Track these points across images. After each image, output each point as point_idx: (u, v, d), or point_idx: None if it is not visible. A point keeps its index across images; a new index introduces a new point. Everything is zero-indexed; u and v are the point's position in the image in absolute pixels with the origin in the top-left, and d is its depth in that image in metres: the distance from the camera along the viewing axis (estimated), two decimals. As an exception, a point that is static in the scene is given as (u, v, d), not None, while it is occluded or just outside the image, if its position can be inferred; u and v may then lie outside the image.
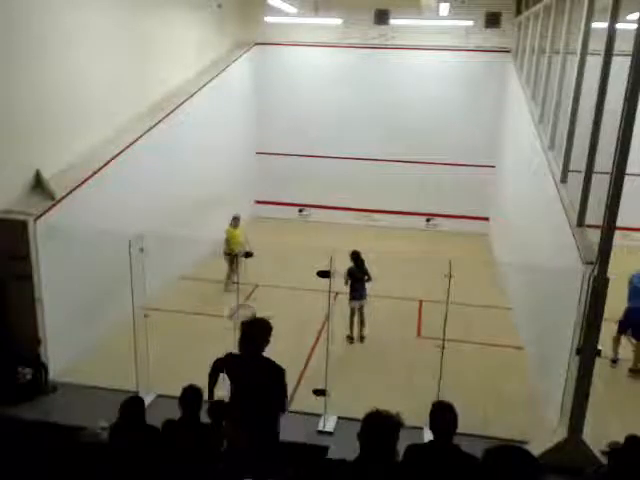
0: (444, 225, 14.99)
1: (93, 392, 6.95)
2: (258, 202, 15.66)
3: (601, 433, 5.78)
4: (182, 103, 10.85)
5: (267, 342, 4.75)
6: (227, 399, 4.82)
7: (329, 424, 6.54)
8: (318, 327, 8.71)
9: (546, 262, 7.99)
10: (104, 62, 8.80)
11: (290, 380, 7.71)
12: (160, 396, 6.83)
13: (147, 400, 5.71)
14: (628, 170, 5.26)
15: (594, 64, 6.52)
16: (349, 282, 8.57)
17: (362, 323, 8.79)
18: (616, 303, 5.99)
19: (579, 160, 6.74)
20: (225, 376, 4.86)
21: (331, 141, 14.92)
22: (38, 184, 7.42)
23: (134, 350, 6.75)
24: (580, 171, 6.58)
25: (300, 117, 14.92)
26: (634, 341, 7.95)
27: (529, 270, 8.95)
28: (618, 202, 5.29)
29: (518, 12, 13.24)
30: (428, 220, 15.16)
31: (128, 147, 8.95)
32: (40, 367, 7.05)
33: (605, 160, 5.56)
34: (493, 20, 13.46)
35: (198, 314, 9.30)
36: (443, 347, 6.48)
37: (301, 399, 7.14)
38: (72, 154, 8.08)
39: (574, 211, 6.70)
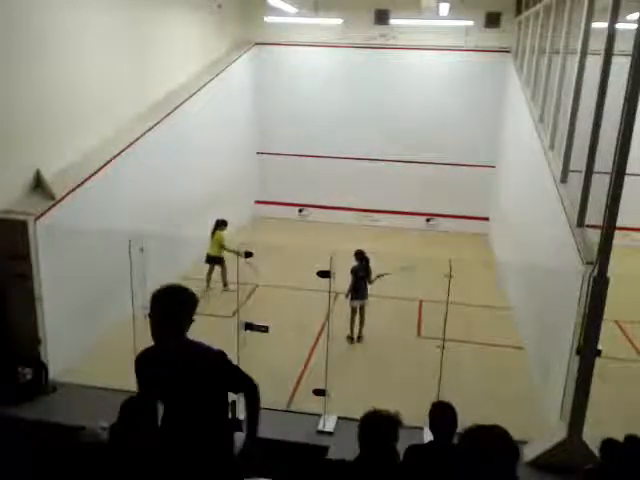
0: (444, 225, 14.98)
1: (93, 392, 6.94)
2: (258, 202, 15.66)
3: (601, 433, 5.78)
4: (182, 103, 10.85)
5: (191, 320, 3.34)
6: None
7: (329, 424, 6.53)
8: (318, 327, 8.72)
9: (546, 262, 7.99)
10: (104, 62, 8.80)
11: (290, 380, 7.81)
12: (160, 396, 6.82)
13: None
14: (628, 170, 5.26)
15: (594, 64, 6.52)
16: (351, 281, 8.57)
17: (361, 323, 8.80)
18: (616, 303, 5.98)
19: (579, 160, 6.74)
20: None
21: (331, 141, 14.92)
22: (38, 184, 7.41)
23: (134, 350, 6.74)
24: (580, 171, 6.58)
25: (300, 117, 14.91)
26: None
27: (529, 270, 8.95)
28: (618, 202, 5.29)
29: (518, 12, 13.23)
30: (428, 220, 15.16)
31: (128, 147, 8.95)
32: (40, 367, 7.05)
33: (605, 160, 5.56)
34: (493, 20, 13.48)
35: (198, 314, 9.27)
36: (443, 347, 6.48)
37: (301, 399, 7.16)
38: (72, 154, 8.07)
39: (574, 211, 6.71)
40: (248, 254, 7.21)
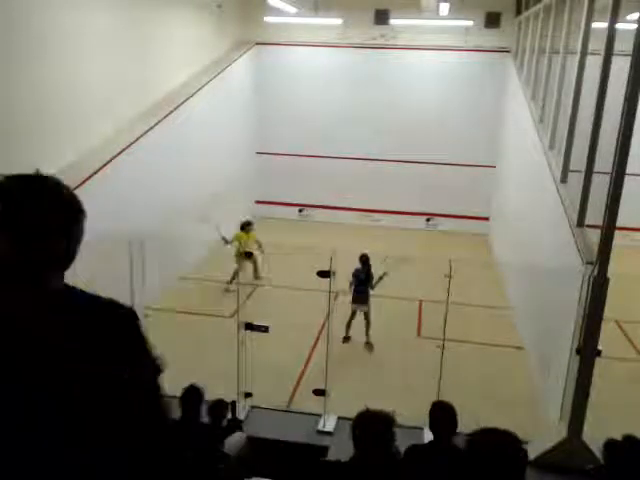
0: (444, 225, 14.98)
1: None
2: (258, 202, 15.67)
3: (601, 433, 5.79)
4: (182, 103, 10.85)
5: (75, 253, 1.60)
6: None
7: (329, 424, 6.53)
8: (318, 327, 8.72)
9: (546, 262, 7.99)
10: (104, 62, 8.80)
11: (290, 380, 7.81)
12: (160, 396, 6.82)
13: (147, 400, 5.69)
14: (628, 170, 5.26)
15: (594, 64, 6.52)
16: (353, 284, 8.53)
17: (367, 328, 8.69)
18: (616, 303, 5.99)
19: (579, 160, 6.74)
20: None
21: (331, 141, 14.92)
22: (38, 184, 7.41)
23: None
24: (580, 171, 6.58)
25: (300, 117, 14.92)
26: None
27: (529, 270, 8.95)
28: (618, 202, 5.29)
29: (518, 12, 13.23)
30: (428, 220, 15.16)
31: (128, 147, 8.95)
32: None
33: (605, 160, 5.56)
34: (493, 20, 13.49)
35: (198, 314, 9.30)
36: (443, 347, 6.48)
37: (301, 399, 7.16)
38: (72, 154, 8.07)
39: (574, 211, 6.71)
40: (248, 254, 7.25)
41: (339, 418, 6.55)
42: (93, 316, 1.67)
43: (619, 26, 5.99)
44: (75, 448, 1.41)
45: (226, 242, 9.97)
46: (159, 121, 9.98)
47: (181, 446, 2.14)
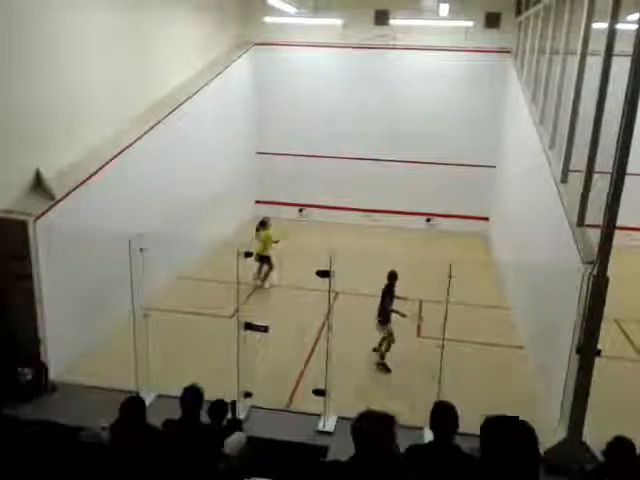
0: (444, 225, 14.98)
1: (93, 392, 6.94)
2: (258, 202, 15.67)
3: (601, 433, 5.79)
4: (182, 103, 10.85)
5: None
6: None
7: (329, 424, 6.54)
8: (318, 327, 8.71)
9: (546, 262, 7.99)
10: (104, 62, 8.80)
11: (290, 380, 7.82)
12: (160, 396, 6.83)
13: (147, 400, 5.70)
14: (628, 170, 5.26)
15: (594, 64, 6.52)
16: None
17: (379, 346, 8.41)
18: (616, 303, 5.99)
19: (579, 160, 6.74)
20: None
21: (331, 141, 14.91)
22: (38, 184, 7.42)
23: (134, 350, 6.75)
24: (580, 171, 6.59)
25: (300, 117, 14.91)
26: None
27: (529, 270, 8.95)
28: (618, 202, 5.29)
29: (518, 12, 13.24)
30: (428, 220, 15.16)
31: (128, 147, 8.95)
32: (40, 367, 7.05)
33: (605, 160, 5.56)
34: (493, 20, 13.50)
35: (198, 314, 9.30)
36: (443, 347, 6.48)
37: (301, 399, 7.16)
38: (72, 154, 8.08)
39: (574, 211, 6.71)
40: (248, 254, 7.21)
41: (339, 418, 6.56)
42: None
43: (619, 26, 5.99)
44: None
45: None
46: (159, 121, 9.99)
47: None
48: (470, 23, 13.37)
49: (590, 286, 5.51)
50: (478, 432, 2.55)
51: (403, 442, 3.30)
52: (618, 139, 5.17)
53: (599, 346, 5.63)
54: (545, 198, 8.26)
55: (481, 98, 14.10)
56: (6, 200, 6.97)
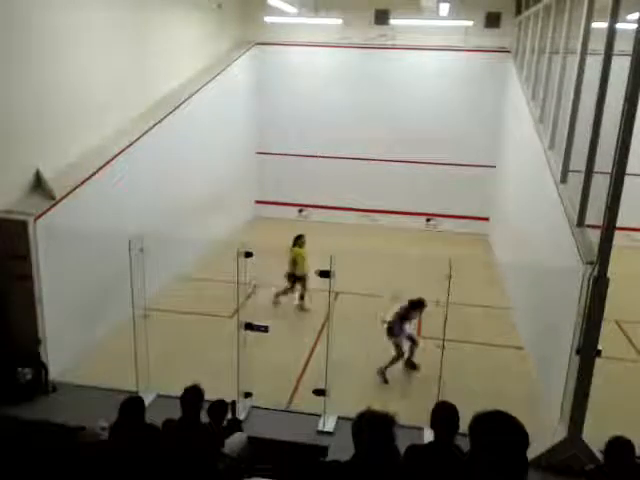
0: (444, 225, 14.99)
1: (93, 392, 6.95)
2: (258, 202, 15.67)
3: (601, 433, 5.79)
4: (182, 103, 10.85)
5: None
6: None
7: (329, 424, 6.54)
8: (318, 327, 8.71)
9: (546, 262, 7.99)
10: (104, 62, 8.80)
11: (290, 380, 7.81)
12: (160, 396, 6.83)
13: (147, 400, 5.70)
14: (628, 170, 5.26)
15: (594, 64, 6.52)
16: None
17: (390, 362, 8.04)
18: (616, 303, 5.99)
19: (579, 160, 6.74)
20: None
21: (331, 141, 14.91)
22: (38, 184, 7.41)
23: (134, 350, 6.75)
24: (580, 171, 6.58)
25: (300, 117, 14.91)
26: None
27: (529, 270, 8.95)
28: (618, 202, 5.29)
29: (518, 12, 13.23)
30: (428, 220, 15.16)
31: (128, 147, 8.95)
32: (40, 367, 7.05)
33: (605, 160, 5.56)
34: (493, 20, 13.49)
35: (198, 314, 9.30)
36: (443, 347, 6.48)
37: (301, 399, 7.15)
38: (72, 154, 8.07)
39: (574, 211, 6.71)
40: (248, 254, 7.21)
41: (339, 418, 6.56)
42: None
43: (619, 26, 5.99)
44: None
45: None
46: (159, 121, 9.99)
47: None
48: (470, 23, 13.36)
49: (590, 286, 5.51)
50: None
51: (403, 442, 3.31)
52: (618, 139, 5.17)
53: (599, 346, 5.63)
54: (545, 198, 8.26)
55: (481, 98, 14.10)
56: (6, 200, 6.97)
